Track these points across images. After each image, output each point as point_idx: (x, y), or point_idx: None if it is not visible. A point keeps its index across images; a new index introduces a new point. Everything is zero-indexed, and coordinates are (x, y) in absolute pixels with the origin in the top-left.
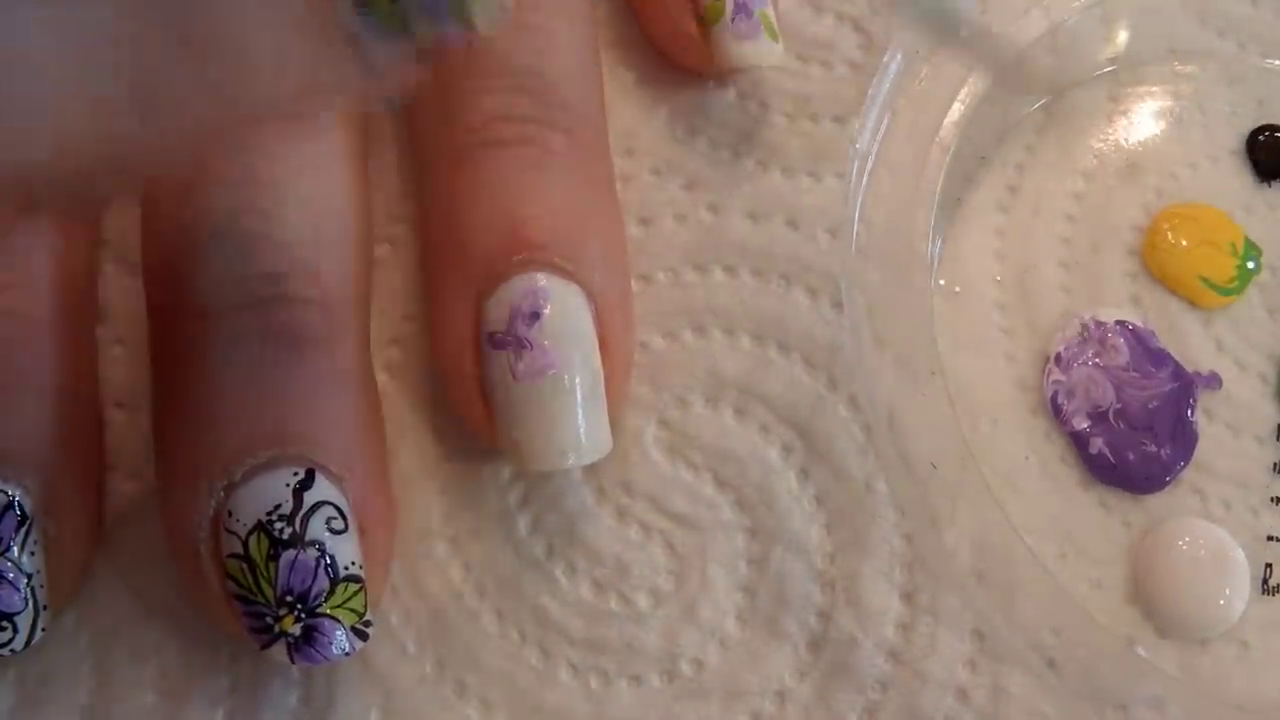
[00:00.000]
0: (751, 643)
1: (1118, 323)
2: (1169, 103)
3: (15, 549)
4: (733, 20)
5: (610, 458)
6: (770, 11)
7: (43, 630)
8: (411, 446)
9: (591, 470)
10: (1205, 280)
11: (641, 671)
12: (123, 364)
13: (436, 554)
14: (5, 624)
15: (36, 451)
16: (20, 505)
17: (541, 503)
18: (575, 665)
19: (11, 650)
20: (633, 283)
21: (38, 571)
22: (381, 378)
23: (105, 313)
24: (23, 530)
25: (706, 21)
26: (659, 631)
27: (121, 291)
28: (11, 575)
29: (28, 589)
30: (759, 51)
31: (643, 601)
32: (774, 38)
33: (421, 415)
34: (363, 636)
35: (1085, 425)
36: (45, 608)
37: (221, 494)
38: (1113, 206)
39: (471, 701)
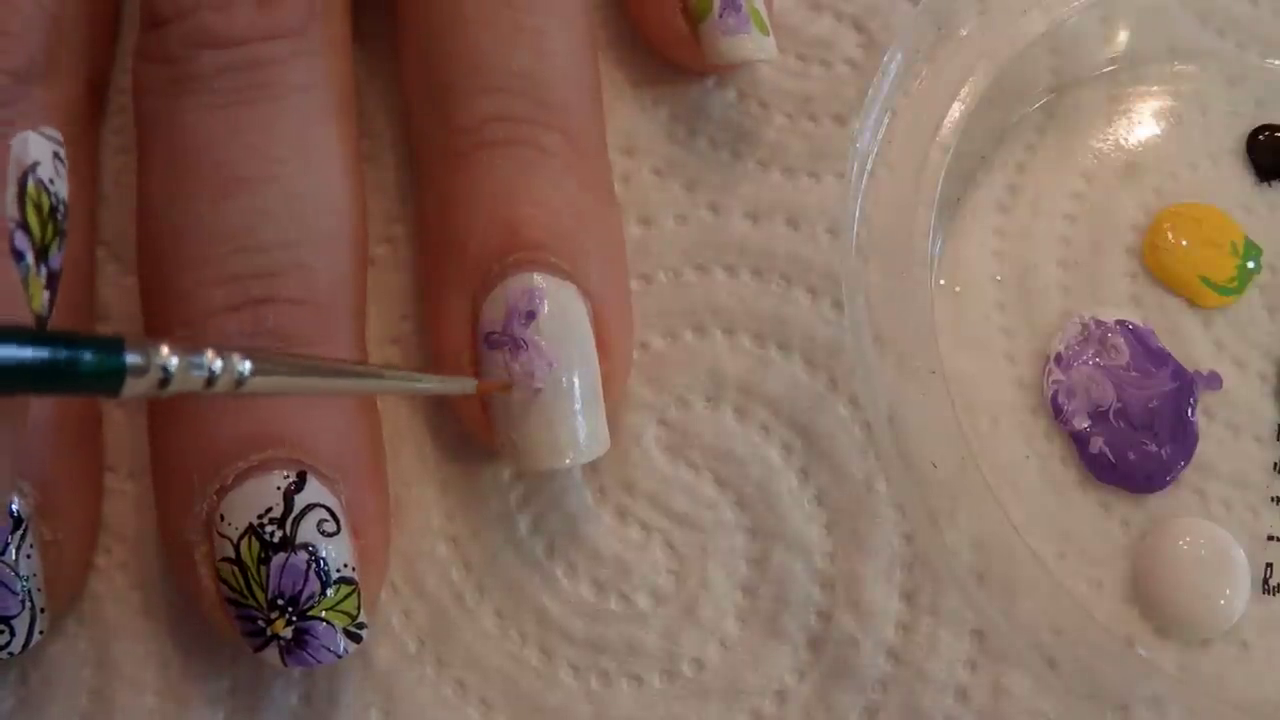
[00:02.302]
0: (751, 643)
1: (1118, 322)
2: (1169, 103)
3: (11, 552)
4: (721, 15)
5: (611, 458)
6: (760, 5)
7: (41, 633)
8: (411, 447)
9: (592, 470)
10: (1205, 280)
11: (642, 671)
12: None
13: (437, 554)
14: (3, 627)
15: (33, 455)
16: (16, 509)
17: (542, 503)
18: (576, 665)
19: (9, 653)
20: (633, 283)
21: (34, 574)
22: None
23: (105, 312)
24: (18, 534)
25: (695, 17)
26: (659, 631)
27: (121, 291)
28: (8, 579)
29: (24, 592)
30: (749, 46)
31: (643, 601)
32: (764, 31)
33: (422, 416)
34: (355, 639)
35: (1085, 425)
36: (43, 610)
37: (214, 497)
38: (1113, 206)
39: (472, 701)
